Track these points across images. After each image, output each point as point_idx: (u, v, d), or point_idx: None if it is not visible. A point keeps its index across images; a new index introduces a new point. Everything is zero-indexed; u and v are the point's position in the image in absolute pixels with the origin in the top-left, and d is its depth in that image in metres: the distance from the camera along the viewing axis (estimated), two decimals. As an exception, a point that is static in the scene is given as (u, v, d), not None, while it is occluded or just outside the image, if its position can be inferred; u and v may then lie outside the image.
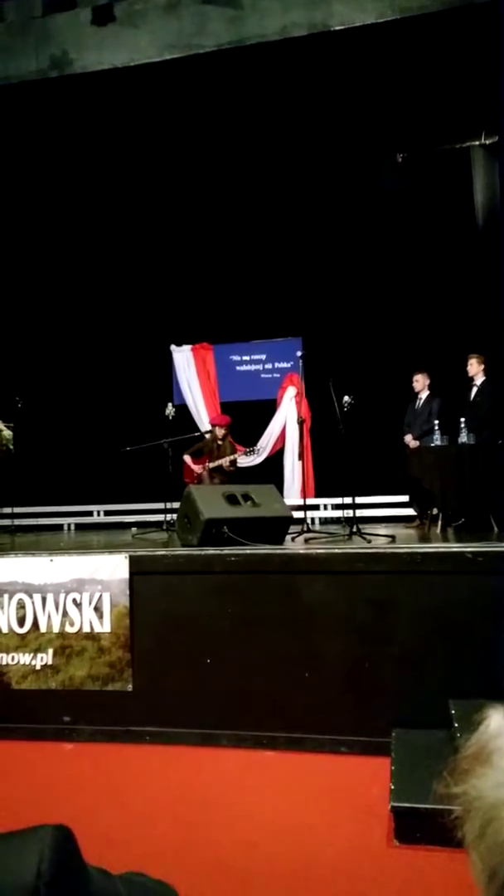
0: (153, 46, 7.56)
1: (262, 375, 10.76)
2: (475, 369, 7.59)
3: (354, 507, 6.70)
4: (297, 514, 6.63)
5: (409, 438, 7.97)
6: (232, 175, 9.61)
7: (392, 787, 3.67)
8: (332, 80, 7.82)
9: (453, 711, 4.10)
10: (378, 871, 3.24)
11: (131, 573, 5.18)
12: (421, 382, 8.09)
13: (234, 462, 8.53)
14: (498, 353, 7.81)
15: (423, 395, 8.09)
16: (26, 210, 9.68)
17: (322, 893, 3.06)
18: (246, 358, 10.83)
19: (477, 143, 9.34)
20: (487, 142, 9.25)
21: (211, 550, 5.24)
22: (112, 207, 10.10)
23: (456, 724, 3.95)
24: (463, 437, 6.95)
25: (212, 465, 8.40)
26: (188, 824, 3.74)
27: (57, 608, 5.28)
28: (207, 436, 8.79)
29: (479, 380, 7.57)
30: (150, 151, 9.20)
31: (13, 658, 5.34)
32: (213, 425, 8.85)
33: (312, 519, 8.67)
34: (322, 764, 4.53)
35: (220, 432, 8.60)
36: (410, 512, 8.13)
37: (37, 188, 9.41)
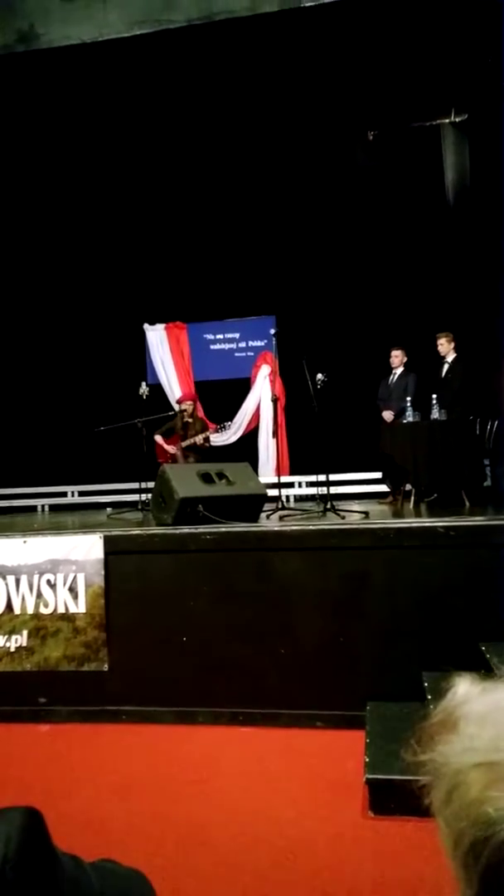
0: (121, 21, 7.43)
1: (236, 354, 10.73)
2: (446, 348, 7.62)
3: (328, 484, 6.73)
4: (272, 492, 6.64)
5: (387, 414, 7.96)
6: (204, 153, 9.52)
7: (366, 760, 3.72)
8: (304, 56, 7.76)
9: (426, 683, 4.16)
10: (353, 842, 3.29)
11: (106, 553, 5.18)
12: (399, 358, 8.10)
13: (207, 438, 8.51)
14: (468, 330, 7.88)
15: (399, 370, 8.11)
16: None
17: (299, 867, 3.10)
18: (220, 336, 10.79)
19: (447, 120, 9.34)
20: (457, 119, 9.25)
21: (186, 529, 5.25)
22: (83, 184, 9.97)
23: (429, 696, 4.00)
24: (435, 414, 7.00)
25: (185, 443, 8.38)
26: (165, 802, 3.77)
27: (31, 589, 5.27)
28: (178, 414, 8.77)
29: (450, 357, 7.61)
30: (120, 128, 9.08)
31: (-12, 640, 5.33)
32: (179, 403, 8.82)
33: (287, 496, 8.70)
34: (297, 739, 4.57)
35: (187, 410, 8.57)
36: (384, 488, 8.17)
37: (4, 164, 9.26)
